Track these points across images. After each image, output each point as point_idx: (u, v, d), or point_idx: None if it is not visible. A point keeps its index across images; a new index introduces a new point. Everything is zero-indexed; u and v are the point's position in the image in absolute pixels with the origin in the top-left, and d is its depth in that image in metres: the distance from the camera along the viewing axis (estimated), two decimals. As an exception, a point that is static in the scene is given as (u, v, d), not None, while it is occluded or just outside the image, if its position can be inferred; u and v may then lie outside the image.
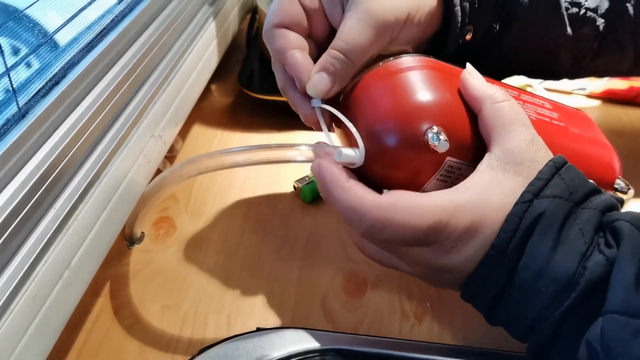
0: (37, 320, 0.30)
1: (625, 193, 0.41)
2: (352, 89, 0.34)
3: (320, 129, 0.34)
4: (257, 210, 0.49)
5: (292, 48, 0.34)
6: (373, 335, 0.37)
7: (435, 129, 0.30)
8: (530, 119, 0.35)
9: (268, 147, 0.33)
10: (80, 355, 0.37)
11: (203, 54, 0.53)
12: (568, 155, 0.33)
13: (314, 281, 0.43)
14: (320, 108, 0.34)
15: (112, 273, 0.43)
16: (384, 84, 0.33)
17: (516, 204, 0.28)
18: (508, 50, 0.40)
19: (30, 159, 0.31)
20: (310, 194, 0.49)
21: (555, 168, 0.29)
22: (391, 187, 0.31)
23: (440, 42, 0.37)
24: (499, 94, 0.31)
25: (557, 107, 0.41)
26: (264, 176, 0.53)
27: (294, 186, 0.50)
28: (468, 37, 0.38)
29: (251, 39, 0.69)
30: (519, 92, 0.38)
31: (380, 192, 0.31)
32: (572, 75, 0.46)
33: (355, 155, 0.32)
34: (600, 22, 0.40)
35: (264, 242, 0.46)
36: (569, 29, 0.39)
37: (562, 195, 0.28)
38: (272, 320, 0.40)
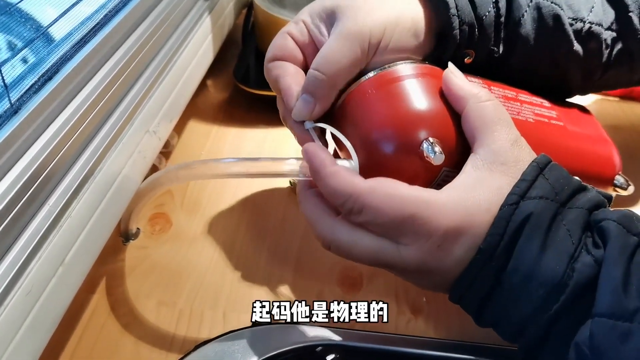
0: (31, 317, 0.29)
1: (625, 189, 0.40)
2: (345, 99, 0.34)
3: None
4: (253, 206, 0.49)
5: (286, 76, 0.35)
6: (369, 331, 0.37)
7: (431, 140, 0.30)
8: (528, 122, 0.35)
9: (264, 160, 0.33)
10: (76, 352, 0.37)
11: (198, 49, 0.53)
12: (566, 154, 0.33)
13: (310, 276, 0.43)
14: (314, 128, 0.34)
15: (107, 269, 0.43)
16: (376, 94, 0.33)
17: (502, 206, 0.28)
18: (515, 70, 0.39)
19: (23, 155, 0.30)
20: (306, 190, 0.49)
21: (539, 168, 0.29)
22: None
23: (438, 58, 0.37)
24: (483, 93, 0.31)
25: (555, 104, 0.40)
26: (259, 172, 0.53)
27: (290, 181, 0.50)
28: (468, 60, 0.37)
29: (247, 34, 0.69)
30: (517, 93, 0.38)
31: None
32: (584, 91, 0.45)
33: (349, 166, 0.32)
34: (606, 34, 0.39)
35: (260, 238, 0.46)
36: (575, 45, 0.38)
37: (548, 196, 0.28)
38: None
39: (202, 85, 0.60)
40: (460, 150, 0.32)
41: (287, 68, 0.36)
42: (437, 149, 0.30)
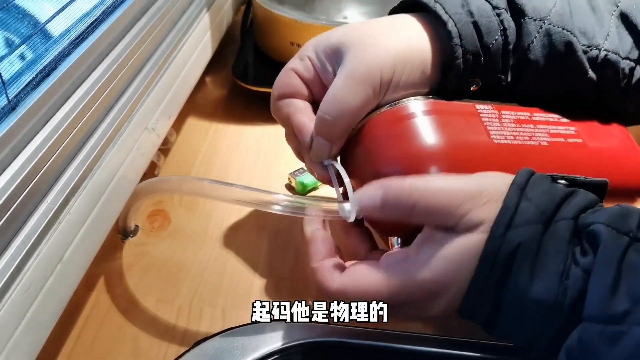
0: (30, 314, 0.29)
1: None
2: (357, 132, 0.35)
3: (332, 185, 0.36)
4: (251, 203, 0.49)
5: (297, 113, 0.36)
6: (366, 327, 0.37)
7: None
8: (541, 146, 0.34)
9: (264, 192, 0.33)
10: (75, 348, 0.37)
11: (197, 45, 0.53)
12: (587, 173, 0.33)
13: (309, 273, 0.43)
14: (331, 165, 0.35)
15: (106, 266, 0.42)
16: (379, 134, 0.34)
17: (488, 240, 0.28)
18: (524, 97, 0.37)
19: (21, 151, 0.30)
20: (305, 187, 0.49)
21: (520, 190, 0.29)
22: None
23: (444, 88, 0.36)
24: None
25: (575, 119, 0.38)
26: (259, 169, 0.53)
27: (289, 178, 0.50)
28: (474, 88, 0.36)
29: (245, 30, 0.69)
30: (531, 113, 0.37)
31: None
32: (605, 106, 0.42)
33: (347, 209, 0.32)
34: (624, 64, 0.36)
35: (258, 235, 0.46)
36: (590, 73, 0.36)
37: (533, 220, 0.28)
38: (267, 312, 0.40)
39: (201, 82, 0.60)
40: None
41: (296, 105, 0.36)
42: None
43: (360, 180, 0.34)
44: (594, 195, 0.30)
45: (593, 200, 0.30)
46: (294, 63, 0.36)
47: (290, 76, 0.36)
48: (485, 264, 0.28)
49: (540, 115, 0.37)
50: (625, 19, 0.37)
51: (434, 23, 0.34)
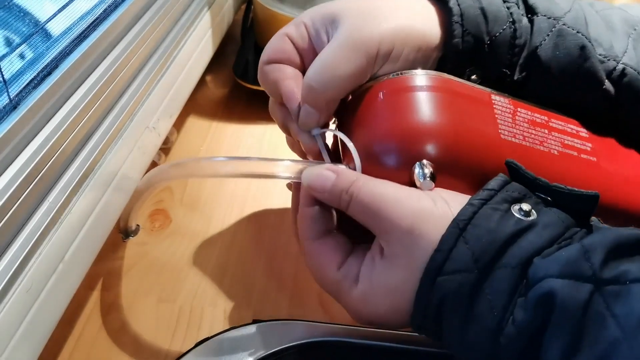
0: (31, 314, 0.29)
1: None
2: (355, 98, 0.33)
3: (322, 159, 0.34)
4: (252, 202, 0.49)
5: (286, 79, 0.33)
6: (369, 327, 0.37)
7: (424, 163, 0.29)
8: (550, 153, 0.32)
9: (257, 160, 0.33)
10: (76, 349, 0.37)
11: (197, 44, 0.53)
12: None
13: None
14: (320, 135, 0.33)
15: (107, 266, 0.42)
16: (378, 104, 0.31)
17: (421, 283, 0.27)
18: (536, 95, 0.35)
19: (23, 150, 0.30)
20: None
21: (459, 230, 0.26)
22: None
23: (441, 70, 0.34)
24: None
25: (595, 136, 0.35)
26: (259, 168, 0.53)
27: (290, 178, 0.50)
28: (473, 78, 0.34)
29: (246, 29, 0.69)
30: (549, 118, 0.34)
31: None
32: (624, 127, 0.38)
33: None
34: None
35: (260, 234, 0.46)
36: (606, 84, 0.33)
37: (465, 269, 0.25)
38: (269, 312, 0.40)
39: (202, 81, 0.60)
40: (461, 172, 0.30)
41: (285, 70, 0.34)
42: (428, 172, 0.28)
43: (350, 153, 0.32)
44: (560, 224, 0.26)
45: (552, 237, 0.26)
46: (288, 29, 0.34)
47: (283, 41, 0.34)
48: (419, 306, 0.27)
49: (557, 123, 0.34)
50: None
51: (441, 7, 0.33)
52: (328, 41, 0.33)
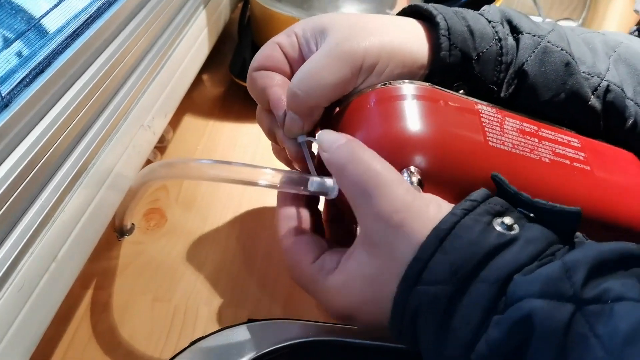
0: (24, 314, 0.29)
1: None
2: (339, 113, 0.33)
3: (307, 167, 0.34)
4: (248, 201, 0.49)
5: (274, 86, 0.34)
6: (347, 325, 0.36)
7: (412, 169, 0.29)
8: (541, 161, 0.31)
9: (243, 166, 0.33)
10: (70, 348, 0.37)
11: (193, 43, 0.53)
12: (586, 202, 0.30)
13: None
14: (306, 142, 0.34)
15: (101, 265, 0.42)
16: (366, 112, 0.31)
17: (398, 289, 0.26)
18: (524, 112, 0.35)
19: (14, 149, 0.30)
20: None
21: (438, 240, 0.25)
22: None
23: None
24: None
25: (589, 146, 0.35)
26: (256, 167, 0.53)
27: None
28: (461, 92, 0.34)
29: (243, 28, 0.68)
30: (539, 128, 0.34)
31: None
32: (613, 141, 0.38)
33: (330, 185, 0.31)
34: (629, 103, 0.34)
35: (256, 233, 0.46)
36: (592, 100, 0.34)
37: (442, 280, 0.25)
38: (264, 311, 0.40)
39: (198, 80, 0.60)
40: (447, 180, 0.29)
41: (273, 78, 0.34)
42: (415, 179, 0.28)
43: None
44: (543, 240, 0.26)
45: (534, 253, 0.25)
46: (280, 37, 0.35)
47: (273, 49, 0.34)
48: (396, 312, 0.27)
49: (548, 132, 0.34)
50: (624, 63, 0.36)
51: (429, 26, 0.34)
52: (316, 49, 0.33)
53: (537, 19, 0.37)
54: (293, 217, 0.33)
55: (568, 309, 0.22)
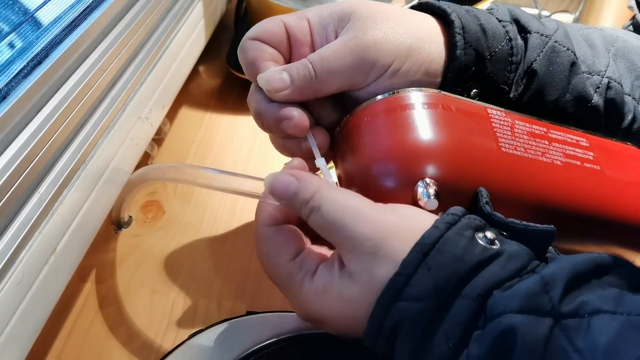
0: (23, 307, 0.29)
1: None
2: (346, 127, 0.32)
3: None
4: (246, 194, 0.48)
5: (267, 60, 0.32)
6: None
7: (427, 181, 0.28)
8: (554, 164, 0.31)
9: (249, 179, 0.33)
10: (68, 341, 0.37)
11: (190, 34, 0.52)
12: (599, 202, 0.30)
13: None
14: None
15: (99, 258, 0.42)
16: (375, 123, 0.30)
17: (376, 304, 0.25)
18: (532, 112, 0.35)
19: (12, 141, 0.30)
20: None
21: (422, 254, 0.24)
22: None
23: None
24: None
25: (597, 144, 0.34)
26: (253, 158, 0.52)
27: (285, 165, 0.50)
28: (473, 93, 0.34)
29: (239, 19, 0.68)
30: (548, 129, 0.33)
31: None
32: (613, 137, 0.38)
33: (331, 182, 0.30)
34: (627, 99, 0.35)
35: (254, 225, 0.46)
36: (595, 98, 0.34)
37: (426, 297, 0.24)
38: (263, 304, 0.40)
39: (195, 72, 0.59)
40: (463, 191, 0.29)
41: (267, 50, 0.32)
42: (432, 191, 0.27)
43: (347, 175, 0.31)
44: (525, 256, 0.25)
45: (516, 269, 0.25)
46: (288, 17, 0.33)
47: (277, 25, 0.32)
48: (372, 326, 0.26)
49: (557, 133, 0.33)
50: (622, 57, 0.36)
51: (444, 24, 0.34)
52: (335, 35, 0.32)
53: (532, 12, 0.37)
54: (279, 206, 0.30)
55: (547, 323, 0.22)
